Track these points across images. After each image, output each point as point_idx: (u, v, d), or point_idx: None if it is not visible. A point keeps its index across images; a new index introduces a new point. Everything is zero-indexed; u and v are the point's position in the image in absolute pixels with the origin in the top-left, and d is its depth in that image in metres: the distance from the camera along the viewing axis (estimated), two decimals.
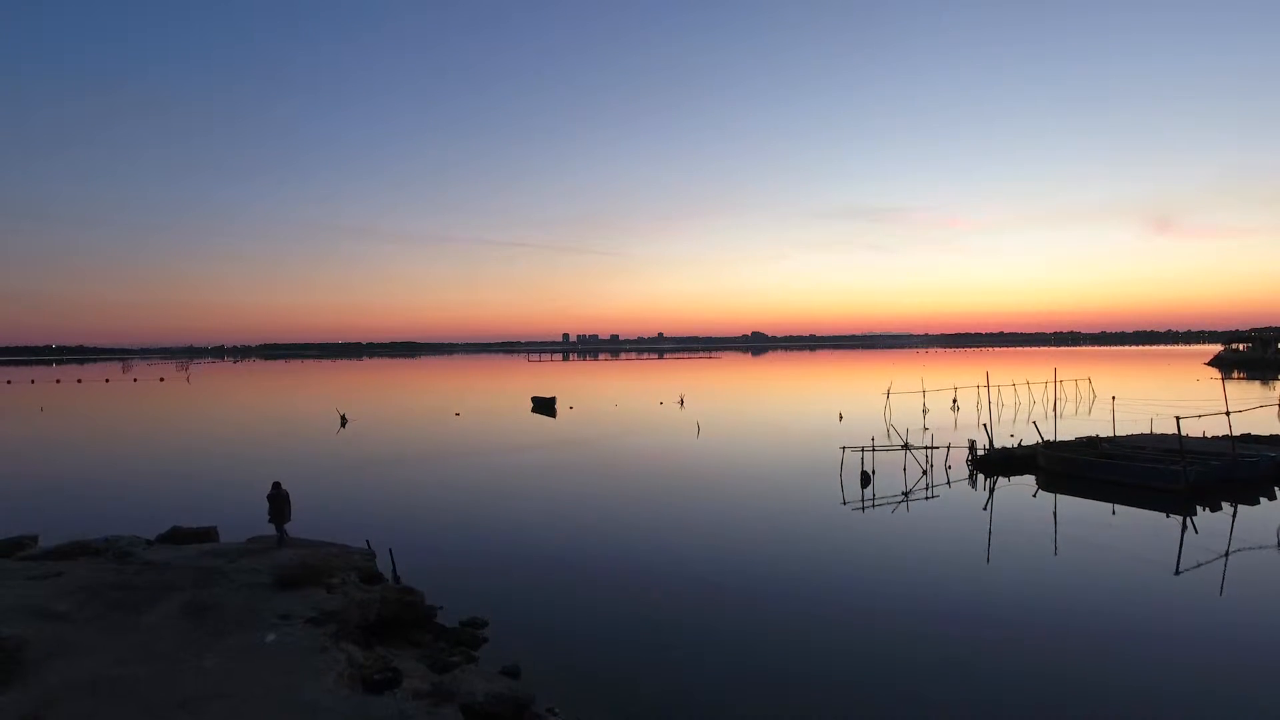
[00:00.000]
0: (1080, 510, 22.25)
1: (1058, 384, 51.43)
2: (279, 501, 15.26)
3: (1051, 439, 29.54)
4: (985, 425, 29.44)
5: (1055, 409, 34.02)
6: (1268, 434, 30.68)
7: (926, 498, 23.99)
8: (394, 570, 15.09)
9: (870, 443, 27.48)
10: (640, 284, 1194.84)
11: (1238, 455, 24.48)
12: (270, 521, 15.26)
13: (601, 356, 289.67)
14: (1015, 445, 29.57)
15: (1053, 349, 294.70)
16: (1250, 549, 18.41)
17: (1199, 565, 17.24)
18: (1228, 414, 25.85)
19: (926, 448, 28.07)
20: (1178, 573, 16.91)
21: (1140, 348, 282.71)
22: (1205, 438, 29.11)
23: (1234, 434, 29.98)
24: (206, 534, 16.45)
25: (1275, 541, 18.95)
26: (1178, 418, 24.80)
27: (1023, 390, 54.05)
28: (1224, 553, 18.13)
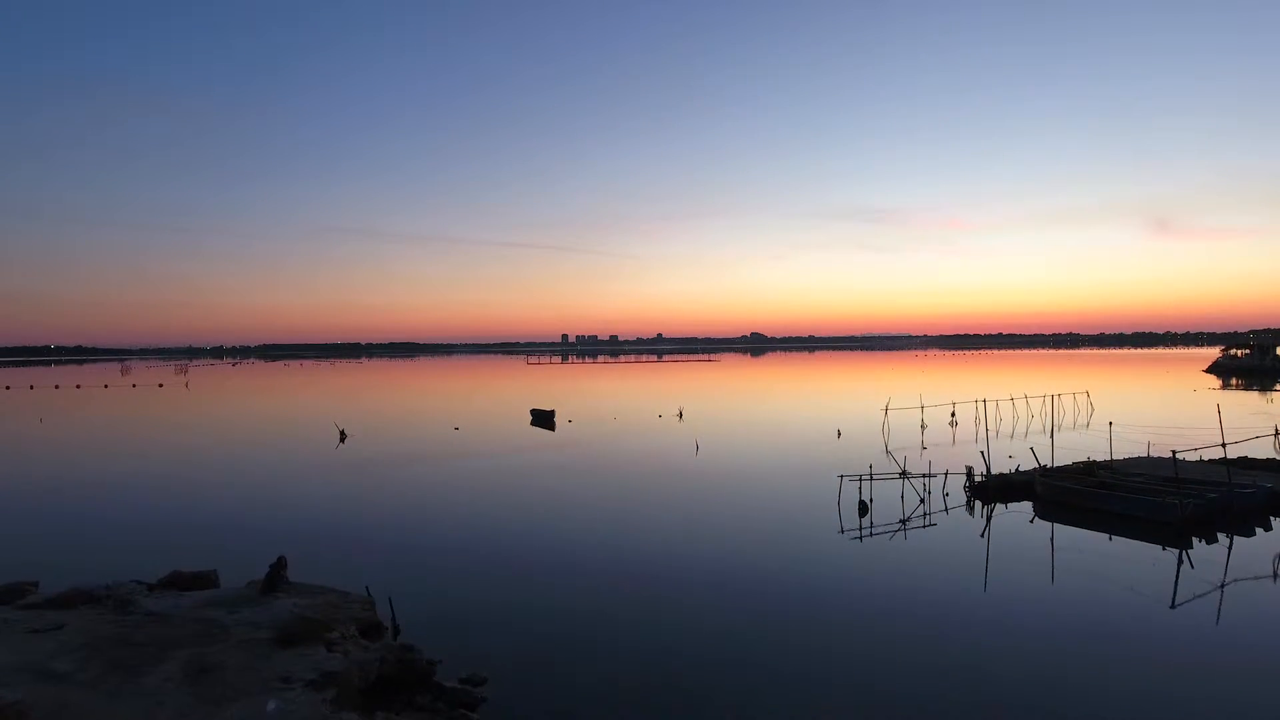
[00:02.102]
0: (1077, 539, 22.40)
1: (1056, 398, 51.57)
2: (275, 570, 15.51)
3: (1049, 464, 29.62)
4: (983, 453, 29.48)
5: (1052, 434, 34.00)
6: (1264, 457, 30.78)
7: (924, 525, 24.12)
8: (393, 619, 15.15)
9: (868, 470, 27.55)
10: (639, 284, 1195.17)
11: (1233, 487, 24.60)
12: (264, 588, 15.40)
13: (601, 358, 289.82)
14: (1013, 470, 29.63)
15: (1052, 351, 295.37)
16: (1246, 580, 18.64)
17: (1195, 598, 17.46)
18: (1223, 445, 26.02)
19: (924, 475, 28.15)
20: (1173, 606, 17.11)
21: (1139, 350, 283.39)
22: (1201, 462, 29.20)
23: (1230, 457, 30.11)
24: (206, 579, 16.51)
25: (1270, 572, 19.13)
26: (1174, 452, 24.98)
27: (1020, 404, 54.13)
28: (1219, 584, 18.35)
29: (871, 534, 23.28)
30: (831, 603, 17.48)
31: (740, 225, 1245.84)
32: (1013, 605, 17.07)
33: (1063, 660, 14.01)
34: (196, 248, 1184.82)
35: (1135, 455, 32.80)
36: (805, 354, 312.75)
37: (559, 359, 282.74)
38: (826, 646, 14.90)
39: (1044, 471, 28.18)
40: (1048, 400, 48.21)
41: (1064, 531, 23.27)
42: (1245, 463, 30.28)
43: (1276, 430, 31.41)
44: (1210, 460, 29.34)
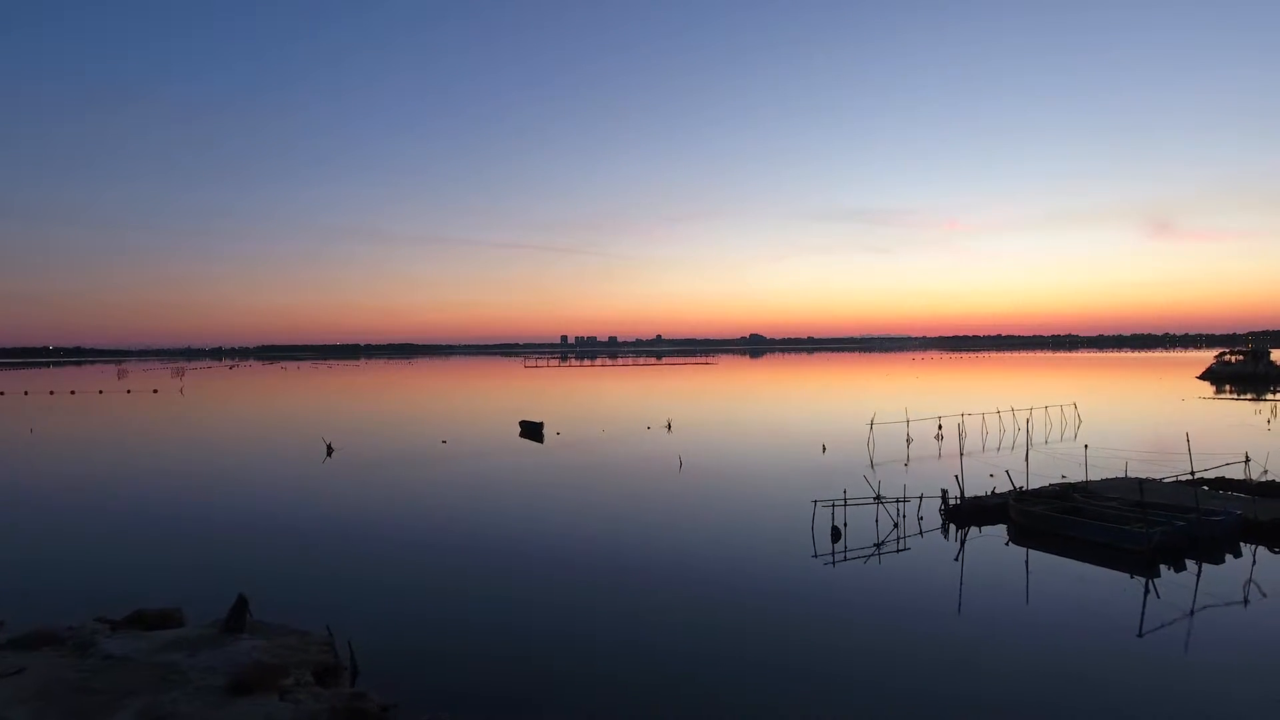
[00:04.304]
0: (1049, 565, 22.54)
1: (1044, 411, 51.70)
2: (236, 611, 15.68)
3: (1025, 485, 29.69)
4: (956, 476, 29.56)
5: (1027, 455, 34.09)
6: (1239, 478, 30.80)
7: (897, 550, 24.24)
8: (352, 661, 15.19)
9: (843, 493, 27.64)
10: (639, 285, 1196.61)
11: (1202, 514, 24.71)
12: (225, 627, 15.57)
13: (599, 360, 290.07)
14: (988, 493, 29.69)
15: (1050, 353, 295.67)
16: (1213, 607, 18.82)
17: (1161, 626, 17.71)
18: (1193, 473, 26.15)
19: (897, 500, 28.27)
20: (1140, 634, 17.29)
21: (1137, 352, 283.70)
22: (1177, 483, 29.28)
23: (1208, 478, 30.21)
24: (170, 616, 16.61)
25: (1238, 599, 19.28)
26: (1140, 482, 25.15)
27: (1007, 418, 54.25)
28: (1187, 613, 18.54)
29: (845, 558, 23.40)
30: (801, 628, 17.71)
31: (740, 225, 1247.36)
32: (982, 632, 17.31)
33: (1030, 688, 14.27)
34: (194, 249, 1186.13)
35: (1113, 476, 32.89)
36: (804, 355, 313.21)
37: (557, 360, 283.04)
38: (797, 672, 15.13)
39: (1018, 495, 28.24)
40: (1033, 414, 48.34)
41: (1037, 557, 23.38)
42: (1221, 483, 30.33)
43: (1247, 457, 31.46)
44: (1186, 481, 29.42)
